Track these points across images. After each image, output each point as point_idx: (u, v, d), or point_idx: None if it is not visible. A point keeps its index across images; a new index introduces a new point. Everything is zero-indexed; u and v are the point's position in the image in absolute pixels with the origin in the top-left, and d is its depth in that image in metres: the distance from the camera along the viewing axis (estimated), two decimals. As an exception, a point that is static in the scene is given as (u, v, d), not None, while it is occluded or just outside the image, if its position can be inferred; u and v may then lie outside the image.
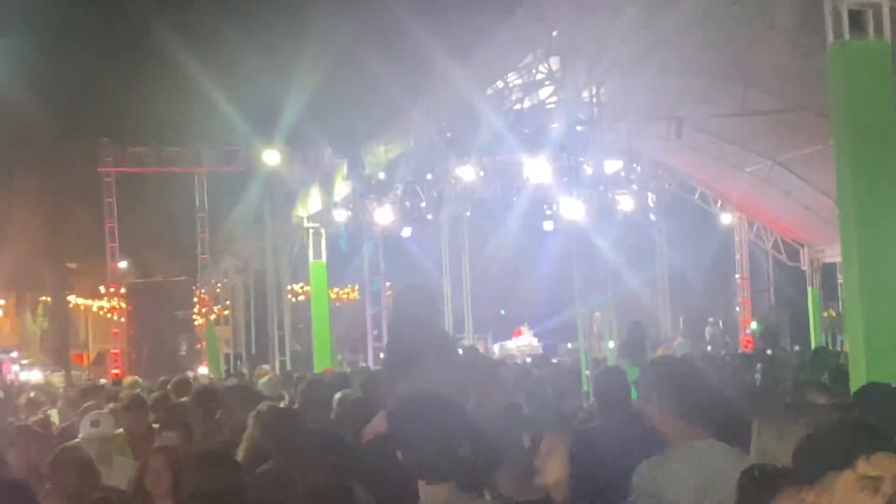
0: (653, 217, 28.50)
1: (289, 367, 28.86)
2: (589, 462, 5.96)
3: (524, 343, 35.62)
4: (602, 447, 6.18)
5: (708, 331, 35.24)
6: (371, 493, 6.46)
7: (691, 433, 4.74)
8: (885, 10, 11.16)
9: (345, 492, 5.97)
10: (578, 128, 19.07)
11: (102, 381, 29.91)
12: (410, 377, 7.24)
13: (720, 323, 35.79)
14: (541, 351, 33.21)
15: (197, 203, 48.69)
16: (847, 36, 11.13)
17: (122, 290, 46.53)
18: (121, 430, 10.60)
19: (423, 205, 25.37)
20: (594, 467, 5.85)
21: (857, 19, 11.08)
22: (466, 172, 22.17)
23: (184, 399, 12.12)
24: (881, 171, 11.12)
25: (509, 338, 36.65)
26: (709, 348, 31.87)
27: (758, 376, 14.24)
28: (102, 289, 50.68)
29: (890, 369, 10.33)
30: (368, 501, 6.44)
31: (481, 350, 27.26)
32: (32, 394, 19.18)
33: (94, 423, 9.46)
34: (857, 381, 10.19)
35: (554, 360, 23.36)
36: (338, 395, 10.84)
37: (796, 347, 28.11)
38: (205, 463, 6.78)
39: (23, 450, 8.75)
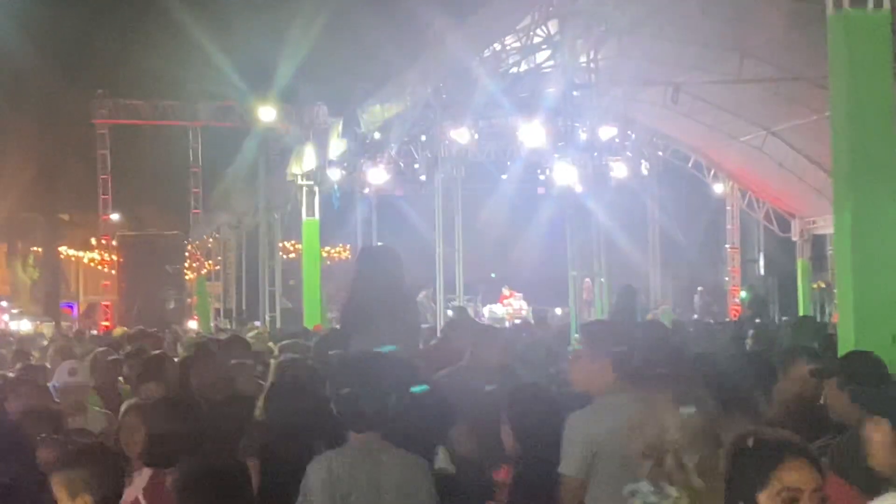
0: (646, 177, 28.49)
1: (279, 325, 28.90)
2: (537, 419, 6.53)
3: (514, 307, 35.66)
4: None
5: (696, 299, 35.34)
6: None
7: (621, 387, 4.98)
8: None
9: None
10: (574, 93, 19.12)
11: (93, 332, 29.95)
12: (363, 335, 7.51)
13: (705, 293, 35.83)
14: (530, 316, 33.32)
15: (191, 158, 48.65)
16: (847, 6, 11.13)
17: (114, 243, 46.49)
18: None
19: (416, 166, 25.37)
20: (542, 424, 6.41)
21: (857, -10, 11.10)
22: (461, 135, 22.15)
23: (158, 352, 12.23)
24: (877, 143, 11.15)
25: (496, 302, 36.66)
26: (695, 316, 31.93)
27: (749, 342, 14.30)
28: (94, 241, 50.68)
29: (879, 339, 10.40)
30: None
31: (471, 313, 27.30)
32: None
33: (72, 372, 9.45)
34: (845, 350, 10.26)
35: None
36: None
37: (784, 318, 28.17)
38: (163, 407, 6.82)
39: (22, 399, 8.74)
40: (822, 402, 6.65)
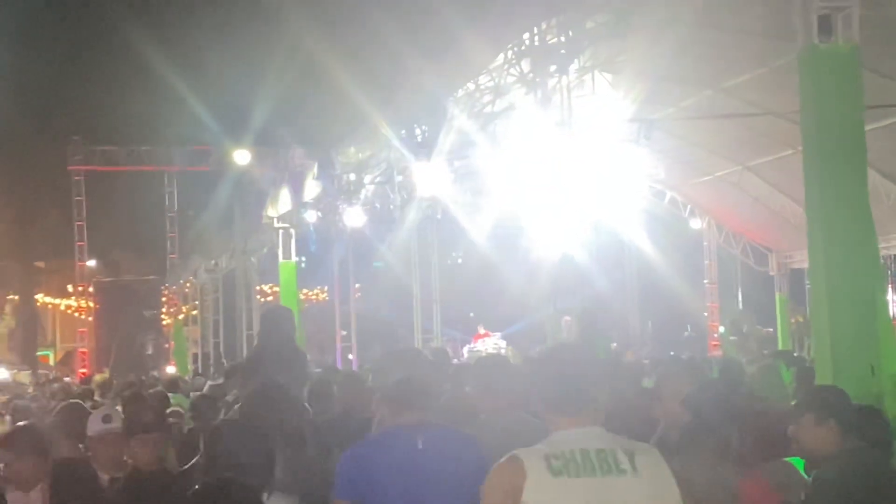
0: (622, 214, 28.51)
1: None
2: None
3: (493, 346, 35.57)
4: None
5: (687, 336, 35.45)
6: None
7: (564, 422, 4.56)
8: (854, 12, 11.19)
9: None
10: (550, 132, 19.10)
11: (67, 379, 29.79)
12: (259, 382, 8.48)
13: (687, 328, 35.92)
14: (512, 355, 33.18)
15: (167, 202, 48.53)
16: (816, 40, 11.14)
17: (91, 289, 46.31)
18: None
19: (392, 207, 25.34)
20: None
21: (825, 23, 11.10)
22: (436, 175, 22.13)
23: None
24: (849, 175, 11.15)
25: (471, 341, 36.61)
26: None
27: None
28: (70, 287, 50.44)
29: (857, 371, 10.38)
30: None
31: (450, 353, 27.18)
32: None
33: (106, 419, 8.29)
34: (823, 382, 10.23)
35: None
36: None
37: (765, 352, 28.15)
38: None
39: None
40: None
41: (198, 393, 14.34)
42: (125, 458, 7.43)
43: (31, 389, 21.76)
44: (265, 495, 5.98)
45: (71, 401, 11.29)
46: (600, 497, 4.38)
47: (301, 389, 9.67)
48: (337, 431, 8.49)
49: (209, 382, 16.88)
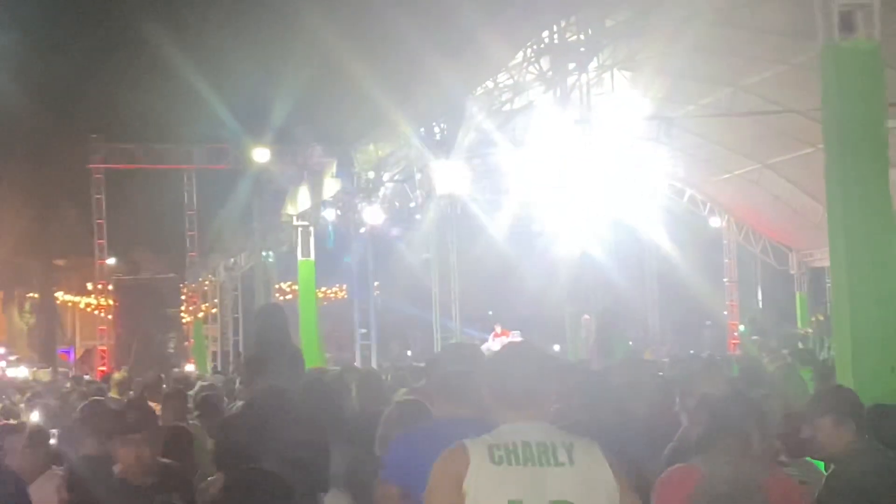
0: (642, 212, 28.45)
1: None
2: None
3: (511, 344, 35.54)
4: None
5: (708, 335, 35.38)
6: None
7: (513, 416, 4.90)
8: (876, 9, 11.11)
9: None
10: (569, 130, 19.06)
11: (87, 377, 29.84)
12: (261, 382, 8.66)
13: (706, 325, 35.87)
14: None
15: (186, 200, 48.57)
16: (837, 37, 11.07)
17: (110, 287, 46.41)
18: None
19: (411, 204, 25.32)
20: None
21: (847, 20, 11.03)
22: (454, 173, 22.10)
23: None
24: (870, 173, 11.07)
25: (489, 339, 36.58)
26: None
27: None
28: (90, 285, 50.54)
29: (877, 370, 10.33)
30: None
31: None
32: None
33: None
34: (843, 381, 10.18)
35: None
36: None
37: (784, 351, 28.03)
38: None
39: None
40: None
41: (203, 390, 14.33)
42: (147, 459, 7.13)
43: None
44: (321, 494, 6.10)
45: (94, 398, 11.29)
46: (536, 485, 4.69)
47: (297, 383, 9.86)
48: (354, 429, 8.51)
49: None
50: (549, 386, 5.03)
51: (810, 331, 32.41)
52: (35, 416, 13.33)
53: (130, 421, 7.14)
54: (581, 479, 4.72)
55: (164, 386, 15.99)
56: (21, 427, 9.51)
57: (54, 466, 8.32)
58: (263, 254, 33.19)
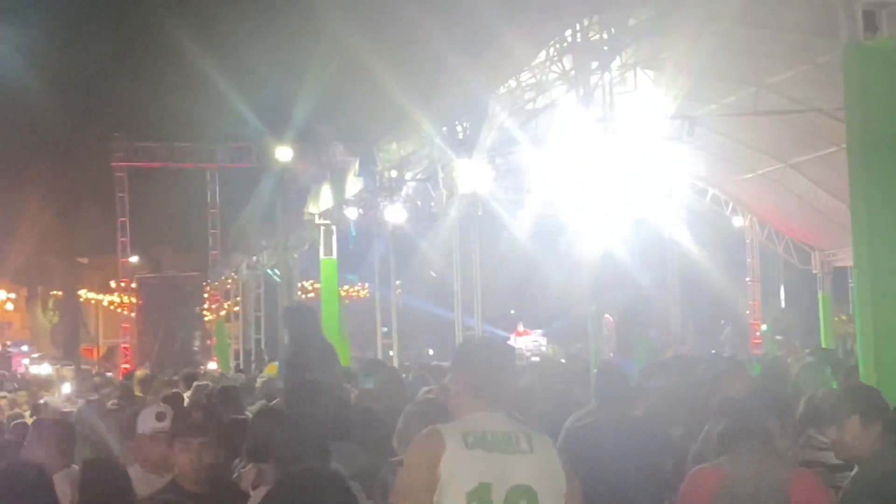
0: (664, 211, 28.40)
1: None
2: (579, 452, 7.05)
3: (532, 343, 35.57)
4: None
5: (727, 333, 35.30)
6: None
7: (477, 406, 5.29)
8: (900, 9, 11.10)
9: None
10: (591, 129, 19.03)
11: (109, 374, 29.99)
12: (310, 371, 9.32)
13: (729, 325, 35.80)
14: (555, 353, 33.18)
15: (208, 199, 48.73)
16: (860, 36, 11.05)
17: (133, 285, 46.59)
18: None
19: (433, 203, 25.31)
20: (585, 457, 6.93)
21: (870, 19, 11.01)
22: (477, 172, 22.10)
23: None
24: (894, 172, 11.04)
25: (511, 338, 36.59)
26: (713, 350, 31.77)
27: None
28: (113, 283, 50.76)
29: (900, 372, 10.30)
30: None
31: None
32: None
33: (160, 417, 7.94)
34: (867, 383, 10.14)
35: (562, 360, 23.28)
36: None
37: (806, 350, 27.99)
38: None
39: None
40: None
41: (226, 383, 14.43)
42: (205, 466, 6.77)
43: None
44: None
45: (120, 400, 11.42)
46: (504, 469, 5.08)
47: (340, 383, 9.97)
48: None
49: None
50: (513, 379, 5.61)
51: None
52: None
53: (192, 423, 6.82)
54: (539, 467, 5.16)
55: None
56: (44, 421, 9.60)
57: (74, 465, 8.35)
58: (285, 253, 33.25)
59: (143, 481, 7.45)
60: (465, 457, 5.06)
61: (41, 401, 16.69)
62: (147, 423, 8.03)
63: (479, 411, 5.26)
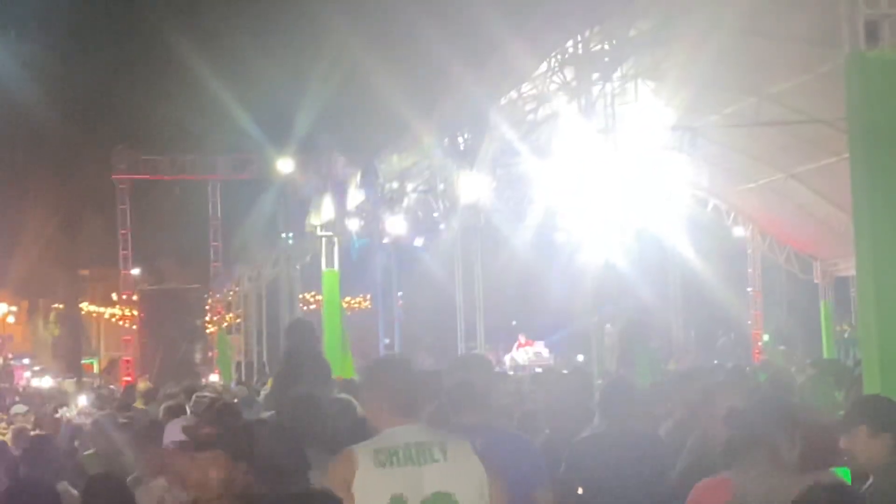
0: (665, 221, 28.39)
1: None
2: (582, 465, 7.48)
3: (535, 354, 35.55)
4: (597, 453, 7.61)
5: (722, 342, 35.22)
6: None
7: (394, 420, 5.58)
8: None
9: None
10: (592, 140, 19.04)
11: (111, 386, 29.98)
12: (292, 391, 9.30)
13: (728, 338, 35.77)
14: (551, 362, 33.20)
15: (210, 211, 48.74)
16: (863, 46, 11.05)
17: (135, 297, 46.58)
18: None
19: (435, 215, 25.31)
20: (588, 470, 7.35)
21: (872, 29, 11.01)
22: (479, 183, 22.11)
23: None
24: (896, 182, 11.04)
25: (512, 349, 36.56)
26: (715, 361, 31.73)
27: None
28: (115, 296, 50.75)
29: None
30: None
31: (493, 360, 27.16)
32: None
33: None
34: (871, 392, 10.13)
35: (564, 371, 23.28)
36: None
37: (808, 360, 27.96)
38: None
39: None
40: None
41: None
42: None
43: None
44: None
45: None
46: (416, 482, 5.39)
47: (333, 397, 10.19)
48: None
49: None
50: (424, 392, 5.92)
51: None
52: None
53: (201, 437, 6.27)
54: (454, 472, 5.44)
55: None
56: (49, 437, 9.58)
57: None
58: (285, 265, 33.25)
59: (168, 494, 7.37)
60: (376, 476, 5.36)
61: (56, 415, 16.67)
62: (174, 435, 7.90)
63: (397, 425, 5.55)
